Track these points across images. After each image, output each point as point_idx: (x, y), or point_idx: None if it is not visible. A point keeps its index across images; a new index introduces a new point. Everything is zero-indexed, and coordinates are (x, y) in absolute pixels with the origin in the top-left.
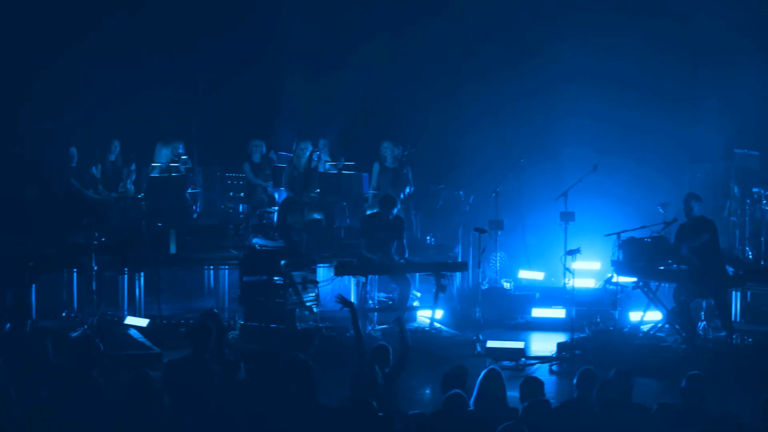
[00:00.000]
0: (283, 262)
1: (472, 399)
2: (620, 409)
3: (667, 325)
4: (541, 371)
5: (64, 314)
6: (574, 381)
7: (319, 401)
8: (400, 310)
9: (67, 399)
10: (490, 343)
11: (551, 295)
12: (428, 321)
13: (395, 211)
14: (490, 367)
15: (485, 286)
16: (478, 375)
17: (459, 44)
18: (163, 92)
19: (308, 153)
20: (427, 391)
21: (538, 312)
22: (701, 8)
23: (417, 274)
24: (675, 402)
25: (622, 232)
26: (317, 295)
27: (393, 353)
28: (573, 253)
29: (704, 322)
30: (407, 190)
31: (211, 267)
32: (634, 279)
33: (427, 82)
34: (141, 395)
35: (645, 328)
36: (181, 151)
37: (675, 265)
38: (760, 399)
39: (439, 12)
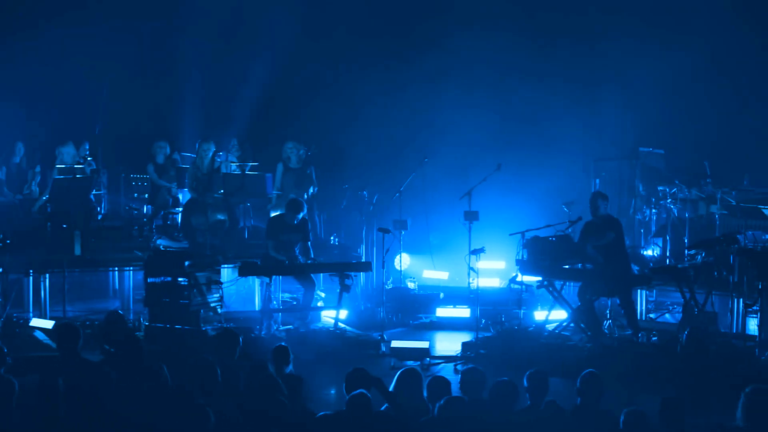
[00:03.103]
0: (187, 263)
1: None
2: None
3: (572, 324)
4: (446, 371)
5: None
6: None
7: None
8: (305, 310)
9: None
10: (395, 343)
11: (456, 294)
12: (332, 321)
13: (300, 216)
14: (407, 368)
15: (389, 286)
16: (382, 375)
17: (361, 42)
18: (67, 93)
19: (211, 154)
20: (332, 392)
21: (442, 311)
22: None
23: (321, 275)
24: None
25: (527, 231)
26: (221, 296)
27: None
28: (477, 252)
29: (609, 321)
30: (311, 190)
31: (116, 268)
32: (539, 278)
33: (330, 82)
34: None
35: (550, 327)
36: (87, 153)
37: (580, 264)
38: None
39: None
